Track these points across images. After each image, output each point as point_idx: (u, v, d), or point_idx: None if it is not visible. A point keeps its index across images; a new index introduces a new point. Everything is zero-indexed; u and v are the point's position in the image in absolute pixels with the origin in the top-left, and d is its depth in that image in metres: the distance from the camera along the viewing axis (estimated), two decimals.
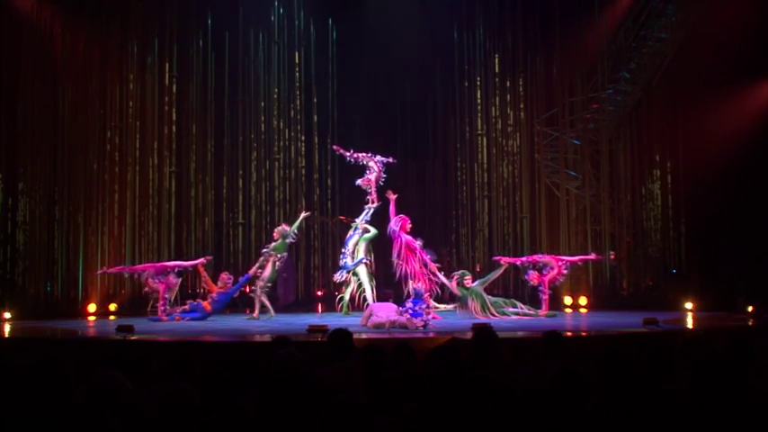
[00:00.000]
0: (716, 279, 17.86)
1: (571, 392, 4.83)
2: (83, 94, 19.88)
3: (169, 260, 18.38)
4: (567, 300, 19.21)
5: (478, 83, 22.28)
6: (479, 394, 4.47)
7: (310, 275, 22.31)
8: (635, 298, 19.80)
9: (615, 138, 21.04)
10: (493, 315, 15.68)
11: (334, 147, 18.68)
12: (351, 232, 17.58)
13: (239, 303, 20.12)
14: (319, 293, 21.87)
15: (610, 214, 20.66)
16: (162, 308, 16.22)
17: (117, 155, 20.26)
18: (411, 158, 22.80)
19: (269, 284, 16.95)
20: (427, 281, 15.83)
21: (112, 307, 18.40)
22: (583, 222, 20.84)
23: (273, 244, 16.94)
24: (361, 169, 17.76)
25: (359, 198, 17.93)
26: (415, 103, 22.98)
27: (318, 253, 22.17)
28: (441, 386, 5.07)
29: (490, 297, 16.22)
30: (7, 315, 16.24)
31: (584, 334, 13.32)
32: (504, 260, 16.94)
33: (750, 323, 14.56)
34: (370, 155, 17.61)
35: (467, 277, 16.29)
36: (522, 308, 16.08)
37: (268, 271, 16.73)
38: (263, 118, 22.00)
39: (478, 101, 22.31)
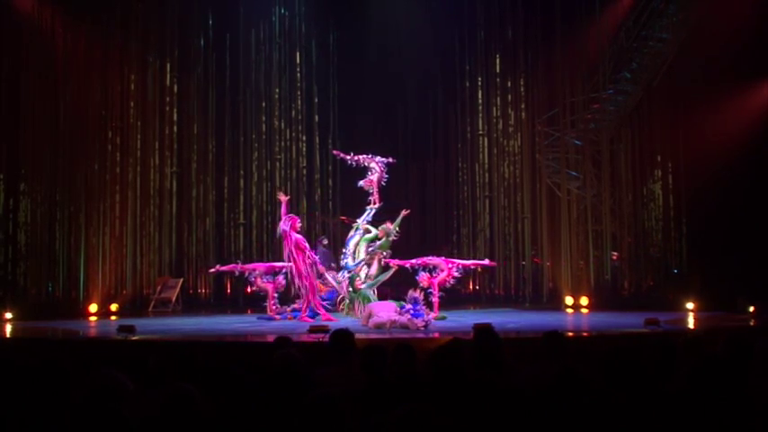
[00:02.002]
0: (717, 279, 17.83)
1: (572, 393, 4.83)
2: (84, 95, 19.91)
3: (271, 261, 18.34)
4: (569, 300, 19.20)
5: (479, 83, 22.31)
6: (480, 394, 4.47)
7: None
8: (636, 298, 19.79)
9: (616, 138, 21.03)
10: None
11: (335, 152, 18.67)
12: (352, 232, 17.58)
13: (241, 304, 20.19)
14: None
15: (611, 214, 20.66)
16: (272, 306, 16.50)
17: (118, 155, 20.31)
18: (412, 158, 22.82)
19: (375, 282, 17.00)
20: (315, 280, 16.02)
21: (113, 307, 18.41)
22: (584, 222, 20.82)
23: (378, 242, 16.92)
24: (363, 170, 17.76)
25: (360, 198, 17.93)
26: (416, 104, 23.00)
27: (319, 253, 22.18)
28: (442, 386, 5.07)
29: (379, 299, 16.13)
30: (9, 315, 16.25)
31: (585, 334, 13.33)
32: (394, 262, 16.90)
33: (751, 323, 14.56)
34: (370, 156, 17.61)
35: (356, 280, 16.26)
36: None
37: (373, 269, 16.75)
38: (264, 118, 22.03)
39: (479, 101, 22.34)
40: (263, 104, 22.04)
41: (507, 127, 22.06)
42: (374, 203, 17.52)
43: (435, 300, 16.07)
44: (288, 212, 16.33)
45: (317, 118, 22.46)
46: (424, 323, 13.71)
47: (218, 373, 5.47)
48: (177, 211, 21.13)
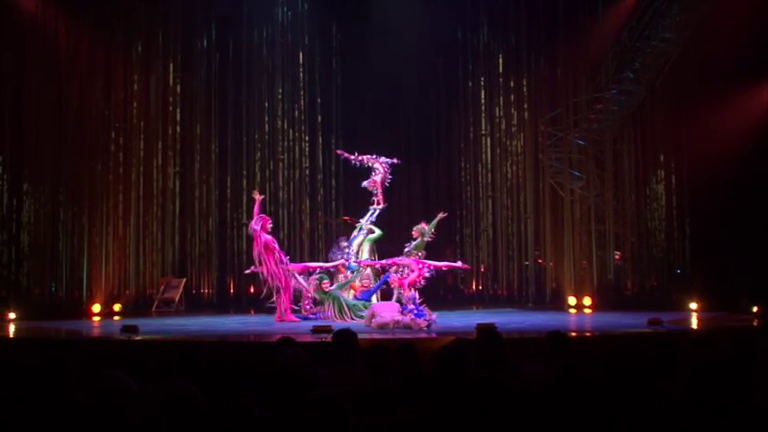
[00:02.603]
0: (720, 279, 17.82)
1: (575, 393, 4.82)
2: (87, 95, 19.93)
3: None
4: (572, 300, 19.19)
5: (482, 83, 22.28)
6: (483, 395, 4.47)
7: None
8: (639, 298, 19.80)
9: (619, 138, 21.03)
10: (351, 318, 15.57)
11: (338, 152, 18.67)
12: (355, 233, 17.59)
13: (244, 304, 20.18)
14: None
15: (614, 214, 20.65)
16: (306, 307, 16.43)
17: (121, 155, 20.33)
18: (415, 158, 22.81)
19: None
20: (283, 280, 15.96)
21: (117, 307, 18.41)
22: (587, 222, 20.81)
23: (413, 243, 16.87)
24: (366, 170, 17.75)
25: (363, 199, 17.93)
26: (419, 104, 22.99)
27: (322, 254, 22.17)
28: (445, 386, 5.07)
29: (350, 300, 16.10)
30: (12, 315, 16.25)
31: (588, 334, 13.32)
32: (363, 263, 16.88)
33: (754, 323, 14.55)
34: (374, 157, 17.60)
35: (325, 281, 16.21)
36: None
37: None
38: (266, 118, 22.01)
39: (482, 101, 22.30)
40: (266, 104, 22.03)
41: (510, 127, 22.04)
42: (378, 204, 17.51)
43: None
44: (260, 212, 16.30)
45: (319, 118, 22.46)
46: (426, 323, 13.71)
47: (221, 373, 5.48)
48: (180, 211, 21.13)
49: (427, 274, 16.03)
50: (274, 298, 16.12)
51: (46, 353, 10.39)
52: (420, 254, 16.45)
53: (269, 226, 16.23)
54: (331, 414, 4.14)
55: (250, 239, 21.65)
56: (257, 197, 16.56)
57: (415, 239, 16.65)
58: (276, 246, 16.22)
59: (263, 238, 15.99)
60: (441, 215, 17.10)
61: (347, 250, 17.53)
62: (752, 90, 19.53)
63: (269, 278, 16.05)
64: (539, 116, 21.43)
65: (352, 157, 17.62)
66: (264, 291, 16.58)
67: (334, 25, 22.50)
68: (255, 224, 16.10)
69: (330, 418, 4.13)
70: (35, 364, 5.06)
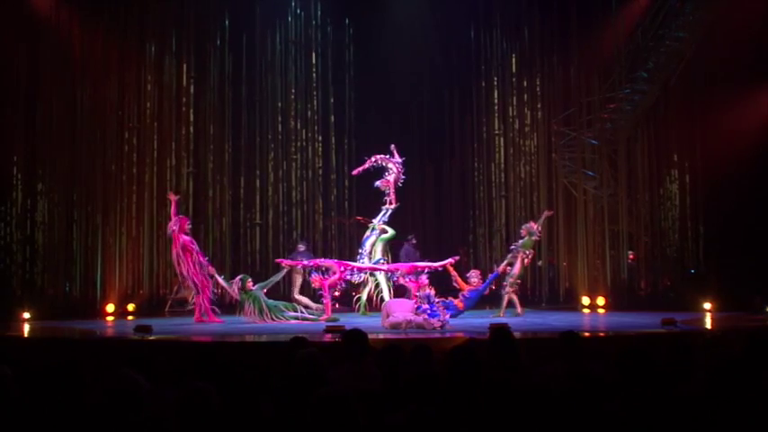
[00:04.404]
0: (734, 279, 17.75)
1: (588, 393, 4.82)
2: (101, 95, 19.99)
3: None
4: (585, 300, 19.15)
5: (495, 82, 22.28)
6: (496, 394, 4.46)
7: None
8: (653, 298, 19.72)
9: (633, 137, 20.96)
10: (272, 319, 15.47)
11: (354, 172, 18.35)
12: (368, 233, 17.58)
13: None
14: (336, 294, 21.84)
15: (627, 214, 20.59)
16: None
17: (135, 156, 20.36)
18: (428, 158, 22.81)
19: (518, 281, 16.94)
20: (201, 280, 15.84)
21: (130, 307, 18.46)
22: (600, 222, 20.75)
23: (521, 241, 16.87)
24: (379, 170, 17.74)
25: (375, 198, 17.93)
26: (432, 103, 22.99)
27: (336, 253, 22.21)
28: (458, 386, 5.07)
29: (271, 301, 15.96)
30: (26, 315, 16.31)
31: (601, 334, 13.28)
32: (285, 263, 16.83)
33: None
34: (388, 156, 17.59)
35: (248, 281, 16.14)
36: (302, 312, 15.92)
37: (517, 268, 16.68)
38: (280, 118, 22.06)
39: (495, 100, 22.29)
40: (279, 105, 22.07)
41: (523, 127, 22.02)
42: (390, 204, 17.51)
43: (326, 301, 16.02)
44: (177, 213, 16.21)
45: (332, 118, 22.49)
46: (440, 323, 13.68)
47: (234, 373, 5.49)
48: (193, 211, 21.16)
49: (348, 277, 16.10)
50: (193, 299, 16.09)
51: (60, 352, 10.40)
52: (528, 252, 16.56)
53: (187, 227, 16.05)
54: (338, 413, 4.13)
55: (265, 240, 21.89)
56: (173, 198, 16.44)
57: (522, 238, 16.72)
58: (195, 247, 16.02)
59: (181, 240, 15.84)
60: (547, 213, 17.24)
61: (359, 250, 17.60)
62: (766, 89, 19.44)
63: (188, 279, 15.95)
64: (552, 116, 21.41)
65: (367, 164, 17.57)
66: (176, 288, 16.48)
67: (347, 25, 22.54)
68: (174, 225, 15.93)
69: (337, 417, 4.13)
70: (49, 364, 5.09)
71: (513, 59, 22.02)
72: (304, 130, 22.29)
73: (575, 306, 19.24)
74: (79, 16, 20.01)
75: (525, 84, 21.90)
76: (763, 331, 13.02)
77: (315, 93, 22.37)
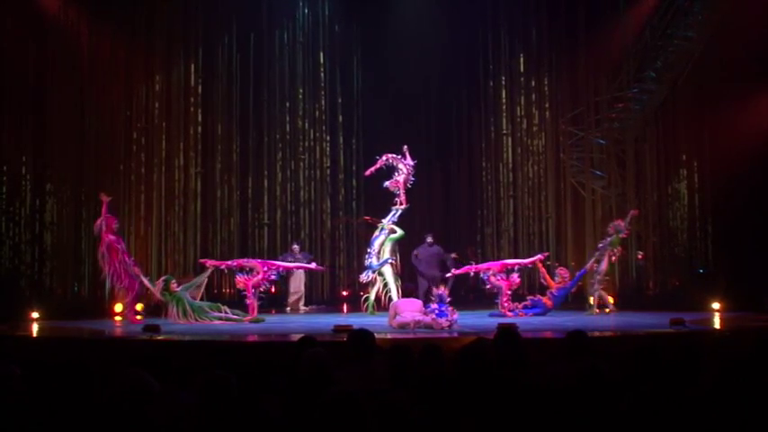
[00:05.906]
0: (743, 279, 17.69)
1: (596, 392, 4.81)
2: (109, 96, 20.04)
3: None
4: (593, 299, 19.09)
5: (503, 82, 22.28)
6: (504, 394, 4.47)
7: (336, 275, 22.42)
8: (661, 298, 19.67)
9: (641, 137, 20.92)
10: (195, 320, 15.34)
11: (367, 173, 18.15)
12: (377, 232, 17.55)
13: (265, 304, 20.17)
14: (345, 293, 21.90)
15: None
16: (505, 303, 16.25)
17: (143, 156, 20.42)
18: (436, 158, 22.82)
19: (606, 278, 16.97)
20: (127, 280, 15.83)
21: (139, 307, 18.45)
22: (608, 222, 20.69)
23: (609, 239, 16.89)
24: (389, 170, 17.72)
25: (384, 198, 17.92)
26: (440, 103, 23.00)
27: (344, 253, 22.23)
28: (466, 385, 5.07)
29: (195, 302, 15.87)
30: (35, 315, 16.33)
31: (609, 334, 13.25)
32: (210, 263, 16.79)
33: None
34: (398, 156, 17.55)
35: (171, 282, 16.07)
36: (227, 312, 15.84)
37: (604, 265, 16.70)
38: (288, 118, 22.10)
39: (503, 100, 22.30)
40: (287, 105, 22.12)
41: (531, 126, 22.03)
42: (400, 204, 17.49)
43: (250, 302, 15.89)
44: (107, 213, 16.07)
45: (340, 118, 22.53)
46: (448, 323, 13.66)
47: (242, 372, 5.49)
48: (202, 211, 21.19)
49: (273, 277, 16.12)
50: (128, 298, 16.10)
51: (68, 352, 10.45)
52: (615, 250, 16.64)
53: (115, 226, 15.93)
54: (348, 414, 4.14)
55: (273, 239, 21.90)
56: (104, 199, 16.29)
57: (610, 236, 16.78)
58: (121, 246, 15.90)
59: (106, 239, 15.81)
60: (633, 212, 17.27)
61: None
62: None
63: (113, 278, 15.90)
64: (560, 115, 21.40)
65: (379, 163, 17.51)
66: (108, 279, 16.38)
67: (354, 25, 22.54)
68: (100, 224, 15.87)
69: (347, 417, 4.13)
70: (58, 364, 5.10)
71: (521, 59, 22.00)
72: (312, 130, 22.33)
73: (583, 306, 19.18)
74: (87, 16, 20.05)
75: (533, 83, 21.91)
76: None
77: (322, 92, 22.41)
